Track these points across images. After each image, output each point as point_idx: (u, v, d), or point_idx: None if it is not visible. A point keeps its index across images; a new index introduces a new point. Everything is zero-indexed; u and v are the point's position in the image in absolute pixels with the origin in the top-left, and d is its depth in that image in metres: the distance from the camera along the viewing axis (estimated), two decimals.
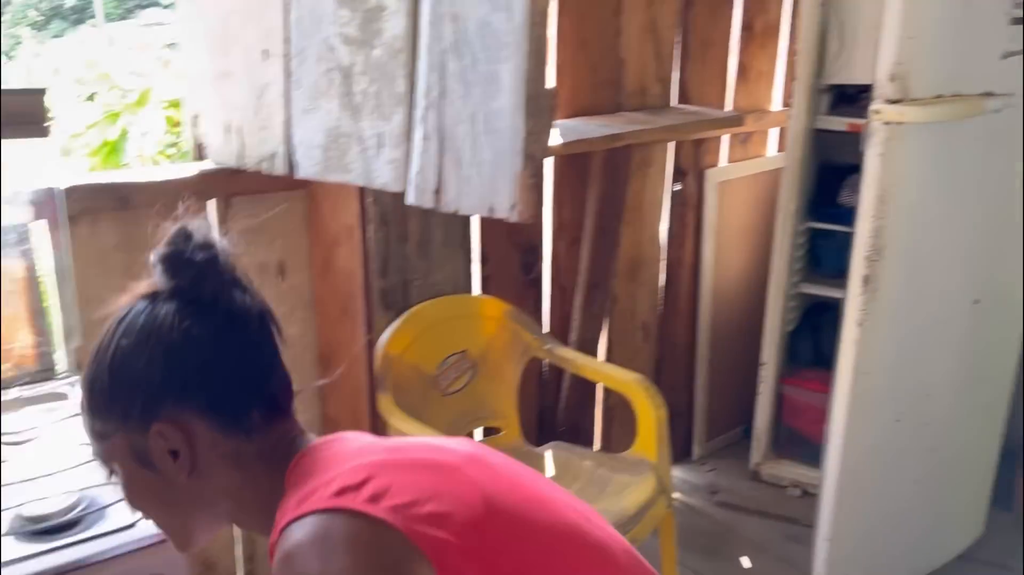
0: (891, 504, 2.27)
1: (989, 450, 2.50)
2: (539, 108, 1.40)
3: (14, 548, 1.13)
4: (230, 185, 1.76)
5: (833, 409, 2.12)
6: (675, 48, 2.58)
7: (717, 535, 2.65)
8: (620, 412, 2.75)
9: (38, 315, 1.60)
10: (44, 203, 1.52)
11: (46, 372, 1.59)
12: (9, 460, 1.32)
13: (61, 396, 1.52)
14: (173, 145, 3.34)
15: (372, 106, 1.51)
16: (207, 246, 0.84)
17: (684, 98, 2.65)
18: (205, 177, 1.72)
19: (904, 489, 2.28)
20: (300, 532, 0.74)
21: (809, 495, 2.82)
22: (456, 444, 0.90)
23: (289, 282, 1.93)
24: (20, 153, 1.59)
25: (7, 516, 1.17)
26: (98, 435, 0.86)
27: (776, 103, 2.92)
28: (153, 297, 0.85)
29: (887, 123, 1.89)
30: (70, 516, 1.18)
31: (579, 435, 2.58)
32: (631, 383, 2.19)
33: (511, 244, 2.34)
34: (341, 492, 0.75)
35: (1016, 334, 2.41)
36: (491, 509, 0.80)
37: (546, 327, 2.47)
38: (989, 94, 2.00)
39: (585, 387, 2.59)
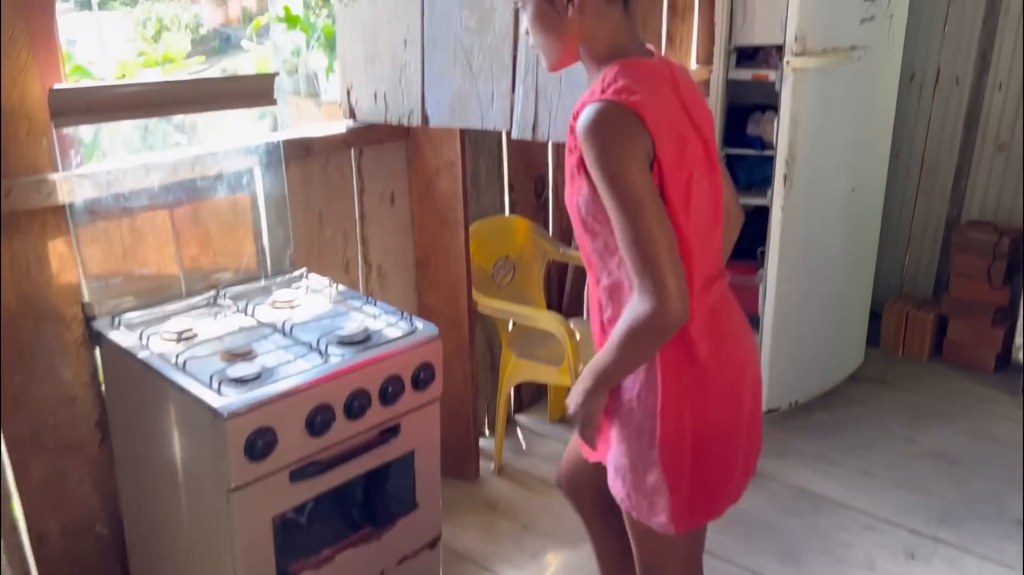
0: (804, 338, 3.24)
1: (864, 299, 3.53)
2: None
3: (342, 351, 1.86)
4: (364, 138, 2.48)
5: (767, 264, 3.03)
6: None
7: None
8: None
9: (258, 236, 2.29)
10: (266, 152, 2.20)
11: (261, 273, 2.28)
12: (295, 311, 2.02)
13: (293, 282, 2.22)
14: None
15: (487, 75, 2.28)
16: None
17: None
18: (351, 132, 2.44)
19: (811, 327, 3.25)
20: (591, 108, 1.33)
21: None
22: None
23: (396, 206, 2.66)
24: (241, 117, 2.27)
25: (332, 336, 1.90)
26: None
27: (693, 63, 3.83)
28: None
29: (795, 70, 2.81)
30: (363, 335, 1.93)
31: (579, 310, 3.44)
32: None
33: (528, 176, 3.15)
34: (608, 89, 1.34)
35: (878, 212, 3.43)
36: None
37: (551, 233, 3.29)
38: (854, 47, 2.97)
39: (582, 277, 3.44)
